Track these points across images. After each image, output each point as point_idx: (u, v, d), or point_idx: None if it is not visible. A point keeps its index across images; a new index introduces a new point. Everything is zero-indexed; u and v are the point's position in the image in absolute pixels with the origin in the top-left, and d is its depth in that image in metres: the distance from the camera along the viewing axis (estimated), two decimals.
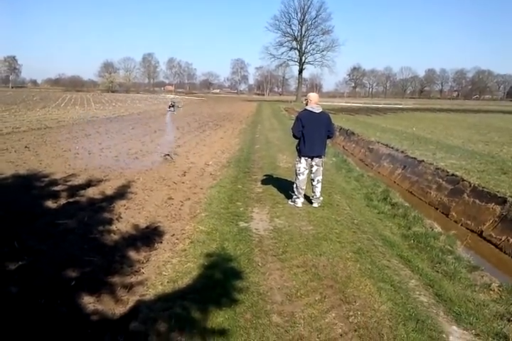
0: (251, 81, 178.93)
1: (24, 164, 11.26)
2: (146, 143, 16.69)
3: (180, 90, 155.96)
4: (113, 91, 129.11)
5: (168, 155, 13.00)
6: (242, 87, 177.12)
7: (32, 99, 55.41)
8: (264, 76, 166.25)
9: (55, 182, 9.25)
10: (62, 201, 7.85)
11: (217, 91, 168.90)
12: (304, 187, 8.18)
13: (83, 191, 8.57)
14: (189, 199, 8.45)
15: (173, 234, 6.46)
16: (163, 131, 21.47)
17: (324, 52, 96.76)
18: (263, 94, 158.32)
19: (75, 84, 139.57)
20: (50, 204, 7.67)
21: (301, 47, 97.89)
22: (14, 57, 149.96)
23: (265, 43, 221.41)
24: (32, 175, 9.93)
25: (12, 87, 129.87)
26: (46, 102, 47.64)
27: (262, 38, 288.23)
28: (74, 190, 8.57)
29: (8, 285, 4.57)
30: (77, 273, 4.97)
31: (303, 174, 8.10)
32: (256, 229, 6.77)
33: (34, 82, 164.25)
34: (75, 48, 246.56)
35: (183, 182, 9.87)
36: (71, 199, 7.94)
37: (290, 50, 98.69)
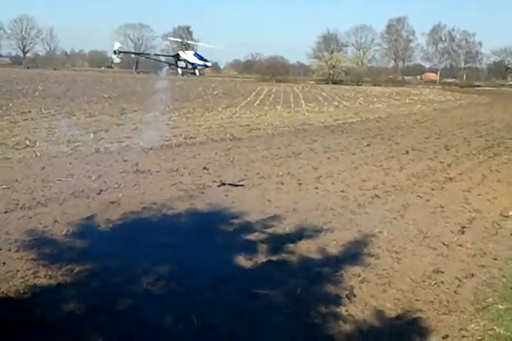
0: None
1: (202, 195, 12.43)
2: (392, 171, 16.73)
3: (451, 80, 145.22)
4: (335, 83, 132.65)
5: None
6: None
7: (212, 92, 60.19)
8: None
9: (248, 228, 9.87)
10: (261, 258, 8.25)
11: None
12: None
13: (292, 245, 8.89)
14: (472, 275, 7.98)
15: (446, 336, 6.12)
16: (419, 152, 21.14)
17: None
18: None
19: (275, 71, 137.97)
20: (242, 261, 8.15)
21: None
22: (188, 28, 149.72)
23: None
24: (214, 214, 10.84)
25: (183, 74, 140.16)
26: (232, 98, 50.99)
27: None
28: (278, 242, 8.97)
29: None
30: None
31: None
32: None
33: (215, 67, 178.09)
34: (279, 15, 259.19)
35: (460, 245, 9.45)
36: (274, 257, 8.30)
37: None
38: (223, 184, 13.38)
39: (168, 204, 11.35)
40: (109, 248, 8.47)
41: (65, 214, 10.15)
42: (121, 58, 14.11)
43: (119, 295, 6.76)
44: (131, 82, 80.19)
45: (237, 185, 13.33)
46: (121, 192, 12.16)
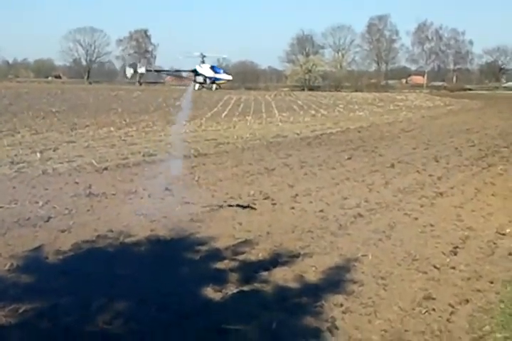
0: None
1: (165, 219, 12.26)
2: (376, 186, 16.75)
3: (440, 84, 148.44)
4: (311, 89, 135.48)
5: None
6: None
7: (174, 103, 58.73)
8: None
9: (217, 255, 9.75)
10: (231, 289, 8.13)
11: None
12: None
13: (266, 273, 8.80)
14: (467, 301, 7.94)
15: None
16: (406, 165, 21.24)
17: None
18: None
19: (244, 77, 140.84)
20: (210, 293, 8.02)
21: None
22: (146, 31, 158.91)
23: None
24: (178, 240, 10.71)
25: (140, 84, 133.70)
26: (197, 109, 50.30)
27: None
28: (250, 271, 8.88)
29: None
30: None
31: None
32: None
33: (176, 75, 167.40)
34: (247, 15, 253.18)
35: (452, 268, 9.42)
36: (245, 287, 8.20)
37: None
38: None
39: (126, 231, 11.13)
40: (59, 283, 8.23)
41: (9, 245, 9.89)
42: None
43: (71, 337, 6.57)
44: (82, 93, 79.97)
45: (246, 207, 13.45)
46: (73, 218, 11.92)
